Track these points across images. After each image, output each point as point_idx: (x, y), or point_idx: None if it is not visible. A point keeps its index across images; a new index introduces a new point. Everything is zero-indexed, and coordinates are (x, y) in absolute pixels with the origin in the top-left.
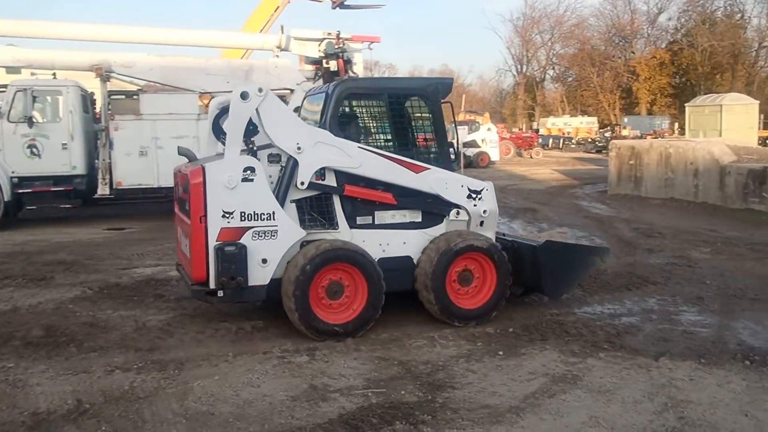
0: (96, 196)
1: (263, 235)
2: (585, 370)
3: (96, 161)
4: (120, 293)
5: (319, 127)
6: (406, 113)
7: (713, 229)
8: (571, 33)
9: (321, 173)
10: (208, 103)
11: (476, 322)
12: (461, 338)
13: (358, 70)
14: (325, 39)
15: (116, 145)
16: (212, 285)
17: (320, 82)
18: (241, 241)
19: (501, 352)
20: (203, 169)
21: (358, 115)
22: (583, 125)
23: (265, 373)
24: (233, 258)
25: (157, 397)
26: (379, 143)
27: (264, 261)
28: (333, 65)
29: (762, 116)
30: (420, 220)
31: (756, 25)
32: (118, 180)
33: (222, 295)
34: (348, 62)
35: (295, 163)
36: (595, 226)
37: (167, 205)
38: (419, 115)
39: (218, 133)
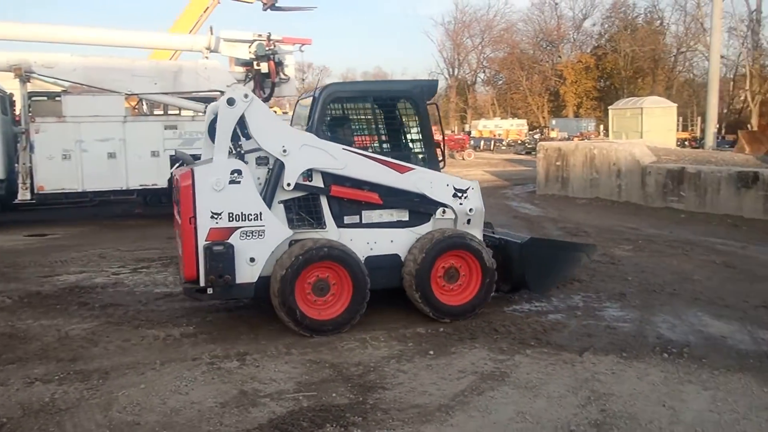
0: (16, 201)
1: (251, 234)
2: (513, 366)
3: (16, 165)
4: (41, 302)
5: (306, 130)
6: (392, 115)
7: (635, 227)
8: (500, 37)
9: (308, 175)
10: (136, 105)
11: (463, 317)
12: (392, 339)
13: (290, 72)
14: (255, 41)
15: (37, 148)
16: (202, 283)
17: (251, 84)
18: (229, 240)
19: (431, 352)
20: (192, 172)
21: (346, 118)
22: (514, 127)
23: (193, 380)
24: (221, 257)
25: (79, 408)
26: (366, 145)
27: (252, 260)
28: (264, 67)
29: (680, 119)
30: (407, 219)
31: (674, 31)
32: (39, 184)
33: (211, 292)
34: (279, 64)
35: (282, 166)
36: (523, 225)
37: (92, 209)
38: (405, 117)
39: (213, 136)
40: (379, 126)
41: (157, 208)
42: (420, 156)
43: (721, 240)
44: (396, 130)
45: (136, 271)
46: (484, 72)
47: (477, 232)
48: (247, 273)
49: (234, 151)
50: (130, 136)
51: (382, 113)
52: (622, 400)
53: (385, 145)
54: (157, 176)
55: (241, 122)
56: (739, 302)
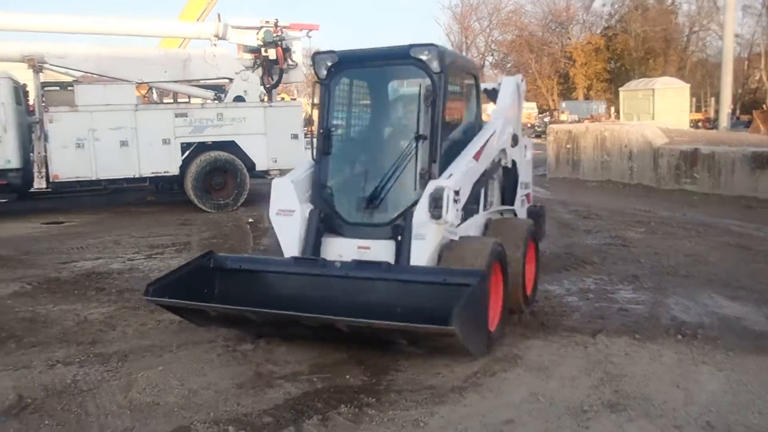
0: (32, 189)
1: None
2: (525, 349)
3: (31, 154)
4: (60, 287)
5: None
6: None
7: (647, 210)
8: (508, 19)
9: None
10: (146, 93)
11: None
12: None
13: (298, 58)
14: (263, 27)
15: (51, 137)
16: None
17: (259, 71)
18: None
19: None
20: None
21: None
22: (523, 111)
23: (210, 362)
24: None
25: (100, 389)
26: None
27: None
28: (272, 54)
29: (693, 99)
30: None
31: (687, 10)
32: (54, 173)
33: None
34: (287, 50)
35: None
36: None
37: (105, 197)
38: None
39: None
40: None
41: (168, 195)
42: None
43: (736, 222)
44: None
45: (151, 257)
46: (492, 55)
47: None
48: None
49: None
50: (142, 124)
51: None
52: (636, 381)
53: None
54: (168, 164)
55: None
56: (755, 284)
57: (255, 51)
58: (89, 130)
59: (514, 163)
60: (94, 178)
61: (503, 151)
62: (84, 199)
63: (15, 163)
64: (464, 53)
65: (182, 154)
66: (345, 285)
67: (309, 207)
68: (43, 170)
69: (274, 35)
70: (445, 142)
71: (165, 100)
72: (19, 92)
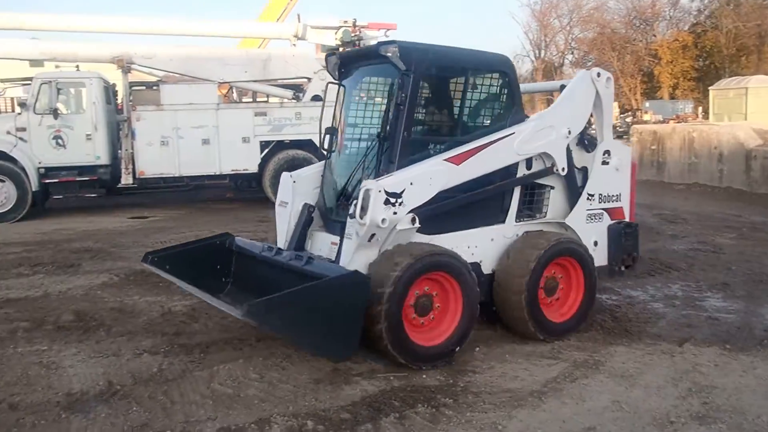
0: (119, 185)
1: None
2: (607, 355)
3: (119, 151)
4: (145, 280)
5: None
6: None
7: (738, 215)
8: (590, 16)
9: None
10: (227, 92)
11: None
12: (481, 324)
13: None
14: (341, 27)
15: (138, 135)
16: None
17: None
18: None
19: (520, 338)
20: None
21: None
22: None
23: (288, 356)
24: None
25: (184, 379)
26: None
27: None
28: None
29: None
30: None
31: None
32: (140, 169)
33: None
34: None
35: None
36: None
37: (187, 193)
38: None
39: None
40: None
41: (247, 192)
42: None
43: None
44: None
45: None
46: (572, 53)
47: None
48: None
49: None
50: (223, 123)
51: None
52: (727, 393)
53: None
54: (247, 162)
55: None
56: None
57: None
58: (173, 128)
59: (585, 170)
60: (177, 175)
61: (545, 155)
62: (167, 195)
63: (104, 159)
64: (543, 51)
65: (261, 152)
66: (268, 272)
67: (303, 201)
68: (130, 167)
69: (352, 35)
70: (417, 143)
71: (243, 99)
72: (109, 92)
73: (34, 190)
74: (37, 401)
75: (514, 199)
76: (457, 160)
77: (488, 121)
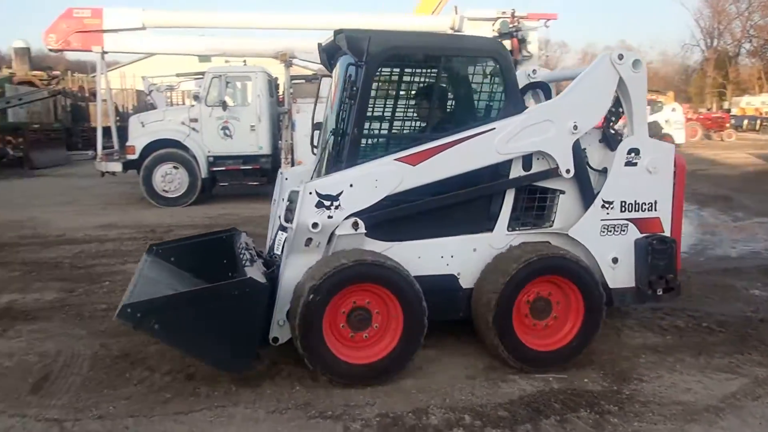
0: None
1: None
2: None
3: (279, 142)
4: None
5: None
6: None
7: None
8: None
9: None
10: None
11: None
12: (648, 330)
13: (533, 49)
14: (499, 18)
15: (298, 126)
16: None
17: None
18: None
19: (691, 348)
20: None
21: None
22: (753, 104)
23: (443, 348)
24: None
25: None
26: None
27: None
28: (507, 45)
29: None
30: None
31: None
32: (299, 159)
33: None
34: (522, 41)
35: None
36: None
37: None
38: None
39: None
40: None
41: None
42: None
43: None
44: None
45: None
46: (750, 42)
47: None
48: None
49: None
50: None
51: None
52: None
53: None
54: None
55: None
56: None
57: None
58: None
59: (603, 171)
60: None
61: (546, 155)
62: None
63: (266, 149)
64: (715, 40)
65: None
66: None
67: None
68: (289, 156)
69: (510, 26)
70: (377, 142)
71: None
72: (272, 85)
73: (203, 177)
74: (210, 374)
75: (505, 205)
76: (413, 160)
77: (470, 116)
